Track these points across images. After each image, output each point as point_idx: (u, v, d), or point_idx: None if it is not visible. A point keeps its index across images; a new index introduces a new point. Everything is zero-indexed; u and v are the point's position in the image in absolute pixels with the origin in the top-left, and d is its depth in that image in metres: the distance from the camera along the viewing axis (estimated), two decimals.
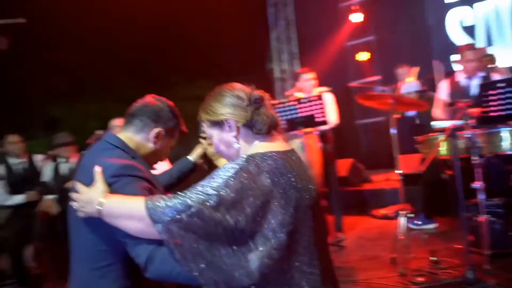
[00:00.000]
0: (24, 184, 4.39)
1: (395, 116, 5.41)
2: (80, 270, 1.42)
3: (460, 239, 2.90)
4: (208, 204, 1.15)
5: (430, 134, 3.34)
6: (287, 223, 1.19)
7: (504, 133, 2.93)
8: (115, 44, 11.35)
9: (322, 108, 3.71)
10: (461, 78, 3.95)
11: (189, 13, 10.69)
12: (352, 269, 3.20)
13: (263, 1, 8.83)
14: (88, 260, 1.39)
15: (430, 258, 3.03)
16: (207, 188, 1.18)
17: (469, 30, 6.04)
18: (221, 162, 1.82)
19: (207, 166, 1.99)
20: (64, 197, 4.31)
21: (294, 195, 1.23)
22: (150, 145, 1.53)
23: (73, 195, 1.35)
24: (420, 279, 2.75)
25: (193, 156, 1.97)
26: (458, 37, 6.07)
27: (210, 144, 1.70)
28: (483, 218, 2.79)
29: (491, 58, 3.94)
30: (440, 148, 3.16)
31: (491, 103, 2.79)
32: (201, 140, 1.92)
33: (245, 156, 1.27)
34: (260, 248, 1.16)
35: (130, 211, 1.22)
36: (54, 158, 4.34)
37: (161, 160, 1.67)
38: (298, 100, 3.74)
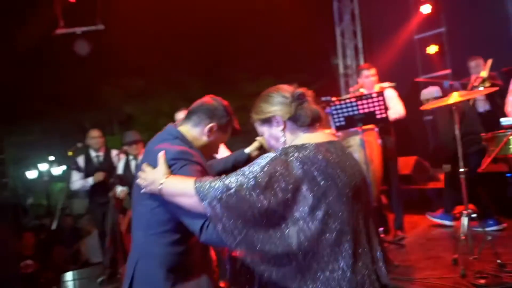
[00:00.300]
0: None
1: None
2: (138, 236, 1.68)
3: None
4: (245, 186, 1.33)
5: (499, 131, 3.16)
6: (315, 208, 1.32)
7: None
8: (183, 46, 11.90)
9: (382, 105, 3.66)
10: None
11: (254, 11, 10.89)
12: (410, 267, 3.14)
13: None
14: (145, 227, 1.65)
15: (498, 261, 2.89)
16: (246, 173, 1.37)
17: None
18: None
19: None
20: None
21: (326, 182, 1.35)
22: (204, 138, 1.75)
23: (140, 174, 1.59)
24: (481, 281, 2.64)
25: (249, 149, 2.15)
26: None
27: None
28: None
29: None
30: (509, 146, 3.00)
31: None
32: (260, 138, 2.09)
33: (281, 147, 1.43)
34: (291, 228, 1.31)
35: (183, 190, 1.44)
36: (127, 154, 4.73)
37: (213, 153, 1.91)
38: (358, 97, 3.73)
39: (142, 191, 1.57)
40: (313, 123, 1.51)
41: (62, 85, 12.86)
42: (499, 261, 2.85)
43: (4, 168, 4.42)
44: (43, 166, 15.40)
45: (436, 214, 4.44)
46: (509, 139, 2.97)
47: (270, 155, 1.41)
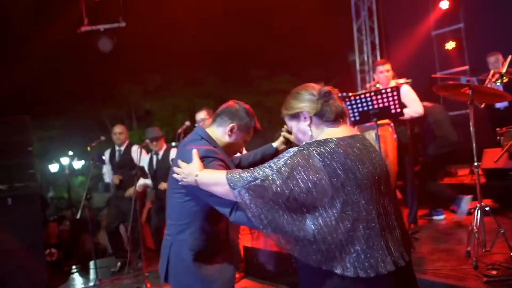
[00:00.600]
0: (118, 169, 5.04)
1: (482, 107, 5.17)
2: (171, 226, 1.96)
3: None
4: (270, 177, 1.50)
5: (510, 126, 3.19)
6: (334, 197, 1.46)
7: None
8: (201, 43, 12.05)
9: (396, 100, 3.70)
10: None
11: (271, 8, 10.94)
12: (422, 259, 3.20)
13: None
14: (176, 218, 1.93)
15: (511, 253, 2.92)
16: (272, 166, 1.54)
17: None
18: None
19: None
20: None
21: (344, 174, 1.48)
22: (226, 138, 1.97)
23: (176, 169, 1.81)
24: (493, 272, 2.69)
25: (276, 143, 2.31)
26: None
27: (289, 132, 2.03)
28: None
29: None
30: None
31: None
32: (285, 133, 2.23)
33: (305, 142, 1.58)
34: (312, 216, 1.47)
35: (216, 180, 1.64)
36: (146, 148, 4.90)
37: (237, 151, 2.13)
38: (373, 92, 3.77)
39: (180, 183, 1.80)
40: (337, 118, 1.66)
41: (83, 82, 13.17)
42: None
43: (31, 160, 4.62)
44: (64, 160, 15.79)
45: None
46: None
47: (293, 150, 1.56)
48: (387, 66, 4.24)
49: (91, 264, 5.50)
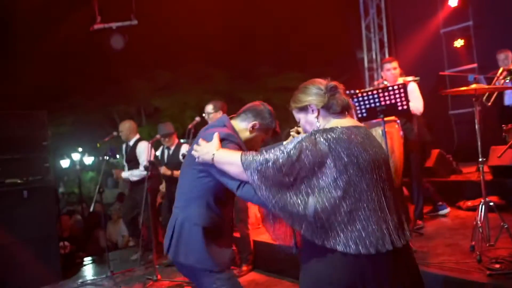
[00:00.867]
0: (127, 163, 5.16)
1: (489, 105, 5.19)
2: (180, 199, 2.11)
3: None
4: (280, 160, 1.63)
5: None
6: (338, 179, 1.59)
7: None
8: (209, 41, 12.14)
9: (403, 97, 3.76)
10: None
11: (280, 5, 10.99)
12: (427, 253, 3.26)
13: None
14: (187, 191, 2.08)
15: None
16: (282, 149, 1.67)
17: None
18: None
19: None
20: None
21: (347, 158, 1.61)
22: (247, 133, 2.12)
23: (195, 147, 1.94)
24: (496, 266, 2.75)
25: (285, 142, 2.37)
26: None
27: (298, 132, 2.12)
28: None
29: None
30: None
31: None
32: (294, 133, 2.30)
33: (312, 131, 1.72)
34: (316, 195, 1.59)
35: (231, 160, 1.78)
36: (157, 145, 5.01)
37: (252, 149, 2.24)
38: (380, 89, 3.83)
39: (196, 160, 1.92)
40: (343, 111, 1.80)
41: (94, 79, 13.35)
42: None
43: (47, 155, 4.76)
44: (75, 156, 16.01)
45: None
46: None
47: (302, 136, 1.71)
48: (394, 64, 4.28)
49: (103, 256, 5.65)
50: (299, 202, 1.60)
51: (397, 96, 3.77)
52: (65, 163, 16.22)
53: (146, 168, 4.41)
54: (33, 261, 4.52)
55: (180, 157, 4.55)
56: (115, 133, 5.15)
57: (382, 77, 4.58)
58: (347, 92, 3.97)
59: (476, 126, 3.30)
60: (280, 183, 1.62)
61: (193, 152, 1.96)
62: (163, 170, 4.68)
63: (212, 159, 1.84)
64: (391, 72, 4.24)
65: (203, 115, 4.22)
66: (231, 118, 2.16)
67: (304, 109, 1.82)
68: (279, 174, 1.62)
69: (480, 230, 3.09)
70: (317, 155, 1.61)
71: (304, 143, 1.64)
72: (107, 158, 5.24)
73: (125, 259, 5.38)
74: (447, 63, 7.40)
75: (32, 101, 11.41)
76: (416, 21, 7.71)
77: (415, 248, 3.33)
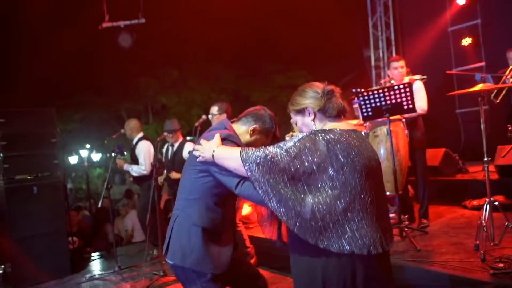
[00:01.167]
0: (132, 161, 5.23)
1: (497, 102, 5.16)
2: (180, 199, 2.11)
3: None
4: (279, 155, 1.68)
5: None
6: (334, 179, 1.63)
7: None
8: (217, 39, 12.17)
9: (409, 96, 3.77)
10: None
11: (287, 3, 10.98)
12: (431, 252, 3.28)
13: None
14: (185, 192, 2.09)
15: None
16: (281, 146, 1.73)
17: None
18: None
19: None
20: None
21: (344, 159, 1.65)
22: (247, 137, 2.15)
23: (197, 146, 1.98)
24: (500, 265, 2.76)
25: None
26: None
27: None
28: None
29: None
30: None
31: None
32: (287, 137, 2.35)
33: (312, 130, 1.77)
34: (313, 194, 1.62)
35: (230, 155, 1.82)
36: (165, 141, 5.06)
37: None
38: (386, 88, 3.85)
39: (198, 159, 1.96)
40: (339, 114, 1.84)
41: (102, 76, 13.45)
42: None
43: (56, 151, 4.83)
44: (83, 152, 16.14)
45: None
46: None
47: (302, 134, 1.76)
48: (402, 63, 4.28)
49: (111, 251, 5.72)
50: (296, 199, 1.63)
51: (403, 95, 3.79)
52: (73, 159, 16.38)
53: (153, 166, 4.46)
54: (43, 255, 4.61)
55: (184, 154, 4.60)
56: (122, 131, 5.23)
57: (389, 76, 4.58)
58: (353, 90, 4.03)
59: (482, 125, 3.31)
60: (277, 178, 1.65)
61: (194, 152, 2.00)
62: (173, 175, 4.70)
63: (213, 155, 1.87)
64: (398, 71, 4.24)
65: (209, 116, 4.26)
66: (232, 122, 2.20)
67: (301, 111, 1.87)
68: (277, 169, 1.65)
69: (485, 229, 3.11)
70: (316, 155, 1.65)
71: (304, 142, 1.68)
72: (115, 155, 5.31)
73: (132, 254, 5.45)
74: (455, 62, 7.35)
75: (41, 99, 11.55)
76: (424, 19, 7.68)
77: (419, 246, 3.35)
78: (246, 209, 5.00)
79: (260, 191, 1.68)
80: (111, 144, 5.48)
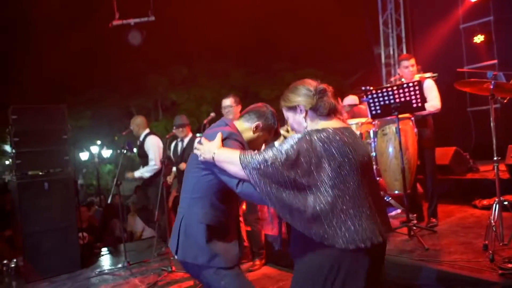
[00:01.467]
0: (139, 158, 5.26)
1: (505, 102, 5.10)
2: (185, 198, 2.14)
3: None
4: (279, 159, 1.68)
5: None
6: (333, 177, 1.65)
7: None
8: (226, 36, 12.18)
9: (418, 94, 3.74)
10: None
11: (295, 0, 10.94)
12: (440, 251, 3.25)
13: None
14: (189, 191, 2.11)
15: None
16: (280, 149, 1.72)
17: None
18: None
19: None
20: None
21: (340, 157, 1.67)
22: (250, 133, 2.17)
23: (197, 145, 1.99)
24: (509, 265, 2.73)
25: (277, 142, 2.41)
26: None
27: (288, 131, 2.17)
28: None
29: None
30: None
31: None
32: (284, 132, 2.32)
33: (306, 131, 1.78)
34: (314, 194, 1.65)
35: (230, 159, 1.82)
36: (173, 138, 5.10)
37: (255, 149, 2.26)
38: (395, 86, 3.82)
39: (199, 159, 1.97)
40: (330, 113, 1.84)
41: (113, 73, 13.56)
42: None
43: (66, 147, 4.90)
44: (94, 149, 16.30)
45: None
46: None
47: (297, 136, 1.74)
48: (412, 61, 4.24)
49: (120, 247, 5.79)
50: (297, 200, 1.65)
51: (412, 93, 3.76)
52: (84, 155, 16.56)
53: (162, 162, 4.50)
54: (54, 250, 4.68)
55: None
56: (131, 127, 5.27)
57: (399, 74, 4.55)
58: (362, 88, 4.01)
59: (492, 124, 3.27)
60: (278, 181, 1.66)
61: (195, 151, 2.01)
62: (183, 166, 4.74)
63: (213, 158, 1.88)
64: (408, 70, 4.20)
65: (222, 109, 4.24)
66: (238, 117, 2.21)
67: (293, 108, 1.88)
68: (277, 173, 1.66)
69: (494, 229, 3.08)
70: (314, 155, 1.66)
71: (301, 143, 1.69)
72: (124, 151, 5.36)
73: (141, 250, 5.51)
74: (466, 60, 7.26)
75: (53, 96, 11.70)
76: (435, 16, 7.59)
77: (428, 246, 3.33)
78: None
79: (261, 195, 1.70)
80: (121, 141, 5.54)
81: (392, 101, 3.80)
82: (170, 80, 14.22)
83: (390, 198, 4.50)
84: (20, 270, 4.93)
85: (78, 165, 16.49)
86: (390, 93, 3.80)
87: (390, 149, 4.16)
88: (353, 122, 4.79)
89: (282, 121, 2.46)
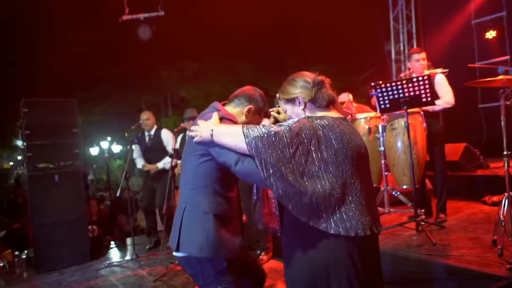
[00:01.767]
0: (148, 152, 5.30)
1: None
2: (185, 189, 2.07)
3: None
4: (282, 131, 1.68)
5: None
6: (330, 162, 1.67)
7: None
8: (237, 32, 12.17)
9: (428, 89, 3.71)
10: None
11: None
12: (448, 246, 3.23)
13: None
14: (189, 182, 2.04)
15: None
16: (283, 124, 1.75)
17: None
18: None
19: None
20: None
21: (337, 145, 1.69)
22: (243, 118, 2.14)
23: (193, 128, 1.93)
24: None
25: (267, 123, 2.41)
26: None
27: (278, 113, 2.17)
28: None
29: None
30: None
31: None
32: (275, 113, 2.29)
33: (306, 115, 1.82)
34: (310, 177, 1.66)
35: (231, 131, 1.78)
36: (180, 132, 5.14)
37: None
38: (404, 80, 3.79)
39: (194, 140, 1.91)
40: (329, 105, 1.86)
41: (123, 69, 13.65)
42: None
43: (77, 141, 4.96)
44: (104, 144, 16.45)
45: None
46: None
47: (297, 118, 1.79)
48: (423, 55, 4.20)
49: (129, 240, 5.86)
50: (294, 176, 1.63)
51: (422, 87, 3.73)
52: (94, 151, 16.72)
53: (171, 156, 4.54)
54: (64, 242, 4.75)
55: None
56: (140, 121, 5.31)
57: (409, 69, 4.51)
58: (372, 83, 3.98)
59: (502, 120, 3.23)
60: (280, 154, 1.63)
61: (191, 133, 1.94)
62: None
63: (211, 134, 1.82)
64: (420, 63, 4.16)
65: None
66: (223, 105, 2.16)
67: (291, 100, 1.88)
68: (280, 144, 1.64)
69: (503, 224, 3.05)
70: (314, 136, 1.68)
71: (303, 121, 1.72)
72: (134, 146, 5.40)
73: (149, 243, 5.56)
74: (478, 55, 7.17)
75: (64, 90, 11.81)
76: (446, 11, 7.50)
77: (436, 241, 3.31)
78: None
79: (260, 167, 1.64)
80: (131, 136, 5.58)
81: (401, 95, 3.77)
82: (180, 75, 14.26)
83: (398, 193, 4.48)
84: (31, 261, 5.01)
85: (89, 160, 16.64)
86: (400, 87, 3.77)
87: (399, 144, 4.13)
88: (361, 117, 4.77)
89: (270, 104, 2.47)
